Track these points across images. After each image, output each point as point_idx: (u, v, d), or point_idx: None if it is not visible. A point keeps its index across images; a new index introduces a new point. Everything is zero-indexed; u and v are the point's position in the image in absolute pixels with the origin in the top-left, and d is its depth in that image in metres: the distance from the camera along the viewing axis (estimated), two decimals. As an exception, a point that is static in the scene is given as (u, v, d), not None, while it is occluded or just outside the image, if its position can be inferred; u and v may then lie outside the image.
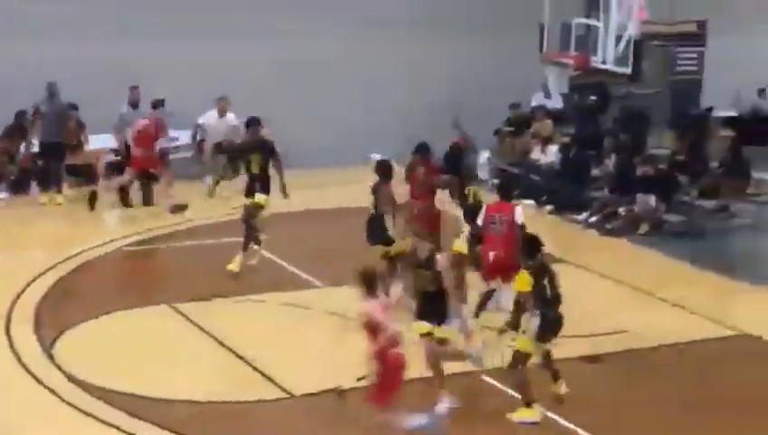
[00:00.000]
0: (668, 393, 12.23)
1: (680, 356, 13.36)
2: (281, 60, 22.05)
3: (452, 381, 11.52)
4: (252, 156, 16.01)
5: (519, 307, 12.44)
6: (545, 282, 11.39)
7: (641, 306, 15.21)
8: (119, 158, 20.04)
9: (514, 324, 13.05)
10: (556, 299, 11.45)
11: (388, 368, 10.07)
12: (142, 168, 18.71)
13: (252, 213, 15.82)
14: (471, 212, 14.18)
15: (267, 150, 15.97)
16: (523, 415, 11.33)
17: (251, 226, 15.88)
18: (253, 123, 16.19)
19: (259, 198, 15.79)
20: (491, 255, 13.58)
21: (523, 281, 11.42)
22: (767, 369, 13.11)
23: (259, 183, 15.95)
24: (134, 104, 19.58)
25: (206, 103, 20.76)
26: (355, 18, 22.62)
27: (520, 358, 11.40)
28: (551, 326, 11.40)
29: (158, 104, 19.36)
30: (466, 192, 15.05)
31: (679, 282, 16.43)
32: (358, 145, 19.92)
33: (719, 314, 14.87)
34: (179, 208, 18.65)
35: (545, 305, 11.35)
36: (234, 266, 15.65)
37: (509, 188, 14.58)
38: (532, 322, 11.41)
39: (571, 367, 12.09)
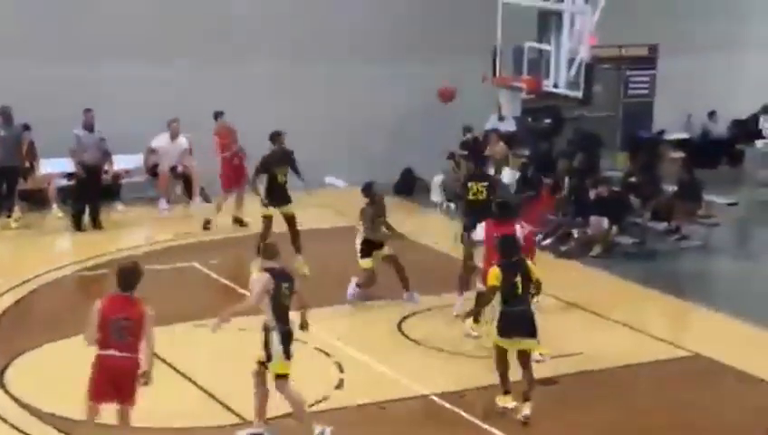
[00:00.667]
0: (622, 415, 12.32)
1: (634, 377, 13.47)
2: (235, 80, 22.04)
3: (406, 403, 11.57)
4: (279, 168, 16.42)
5: (479, 300, 13.06)
6: (517, 280, 11.70)
7: (594, 328, 15.32)
8: (72, 182, 19.96)
9: (474, 316, 13.51)
10: (524, 298, 11.77)
11: (96, 366, 10.35)
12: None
13: (292, 220, 16.58)
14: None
15: (292, 161, 16.58)
16: (502, 402, 11.93)
17: (296, 231, 16.62)
18: (277, 136, 16.65)
19: (290, 205, 16.57)
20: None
21: (492, 275, 11.83)
22: (719, 390, 13.23)
23: (280, 193, 16.47)
24: (88, 127, 19.47)
25: (160, 126, 20.78)
26: (311, 43, 22.68)
27: (496, 351, 11.90)
28: (510, 323, 11.73)
29: (218, 115, 19.85)
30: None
31: (631, 303, 16.58)
32: (314, 169, 19.88)
33: (671, 336, 15.02)
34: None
35: (507, 302, 11.70)
36: (306, 270, 16.18)
37: (510, 208, 14.57)
38: (495, 317, 11.89)
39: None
